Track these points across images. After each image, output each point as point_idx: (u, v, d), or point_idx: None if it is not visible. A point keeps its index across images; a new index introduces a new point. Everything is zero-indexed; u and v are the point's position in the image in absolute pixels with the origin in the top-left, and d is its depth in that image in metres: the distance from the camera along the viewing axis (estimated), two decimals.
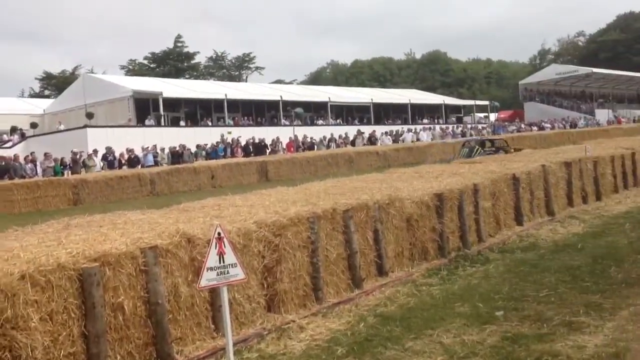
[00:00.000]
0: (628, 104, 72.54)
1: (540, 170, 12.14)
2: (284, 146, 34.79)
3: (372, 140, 38.50)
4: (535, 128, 50.07)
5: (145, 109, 38.72)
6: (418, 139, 40.02)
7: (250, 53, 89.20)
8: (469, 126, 50.53)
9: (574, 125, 53.56)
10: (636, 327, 5.64)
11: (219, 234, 4.94)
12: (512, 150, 24.15)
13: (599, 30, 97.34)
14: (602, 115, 62.19)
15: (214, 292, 5.58)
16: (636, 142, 19.05)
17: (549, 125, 51.66)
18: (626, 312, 6.10)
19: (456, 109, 60.92)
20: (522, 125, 53.07)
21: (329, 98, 48.50)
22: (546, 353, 5.14)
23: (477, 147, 25.51)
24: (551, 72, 70.54)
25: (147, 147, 29.04)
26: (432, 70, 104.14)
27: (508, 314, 6.25)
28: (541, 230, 10.89)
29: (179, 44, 78.32)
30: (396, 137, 40.43)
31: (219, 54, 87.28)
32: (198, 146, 31.17)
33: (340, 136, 38.25)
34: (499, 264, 8.56)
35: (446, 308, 6.59)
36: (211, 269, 4.89)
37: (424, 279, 7.93)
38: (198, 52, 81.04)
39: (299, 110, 41.41)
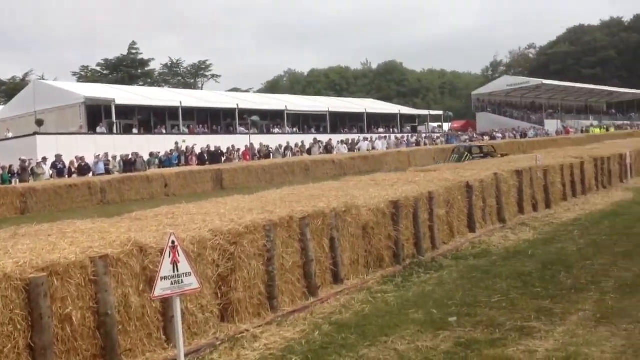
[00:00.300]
0: (576, 114, 74.70)
1: (493, 178, 12.37)
2: (240, 154, 34.58)
3: (328, 148, 38.67)
4: (487, 138, 51.16)
5: (97, 116, 37.94)
6: (374, 148, 40.40)
7: (207, 61, 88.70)
8: (423, 135, 51.31)
9: (524, 135, 55.00)
10: (586, 332, 5.77)
11: (172, 242, 4.86)
12: (499, 155, 25.27)
13: (550, 42, 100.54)
14: (551, 125, 63.97)
15: (165, 302, 5.48)
16: (585, 151, 19.62)
17: (500, 135, 52.87)
18: (576, 317, 6.24)
19: (411, 118, 61.82)
20: (475, 135, 54.18)
21: (286, 106, 48.54)
22: (498, 358, 5.23)
23: (466, 153, 26.86)
24: (502, 83, 72.43)
25: (99, 155, 28.43)
26: (387, 80, 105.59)
27: (461, 319, 6.32)
28: (493, 237, 11.07)
29: (134, 51, 77.17)
30: (352, 146, 40.71)
31: (174, 61, 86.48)
32: (151, 154, 30.62)
33: (296, 144, 38.32)
34: (453, 271, 8.66)
35: (401, 315, 6.63)
36: (165, 278, 4.80)
37: (379, 286, 7.96)
38: (153, 59, 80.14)
39: (255, 118, 41.23)
